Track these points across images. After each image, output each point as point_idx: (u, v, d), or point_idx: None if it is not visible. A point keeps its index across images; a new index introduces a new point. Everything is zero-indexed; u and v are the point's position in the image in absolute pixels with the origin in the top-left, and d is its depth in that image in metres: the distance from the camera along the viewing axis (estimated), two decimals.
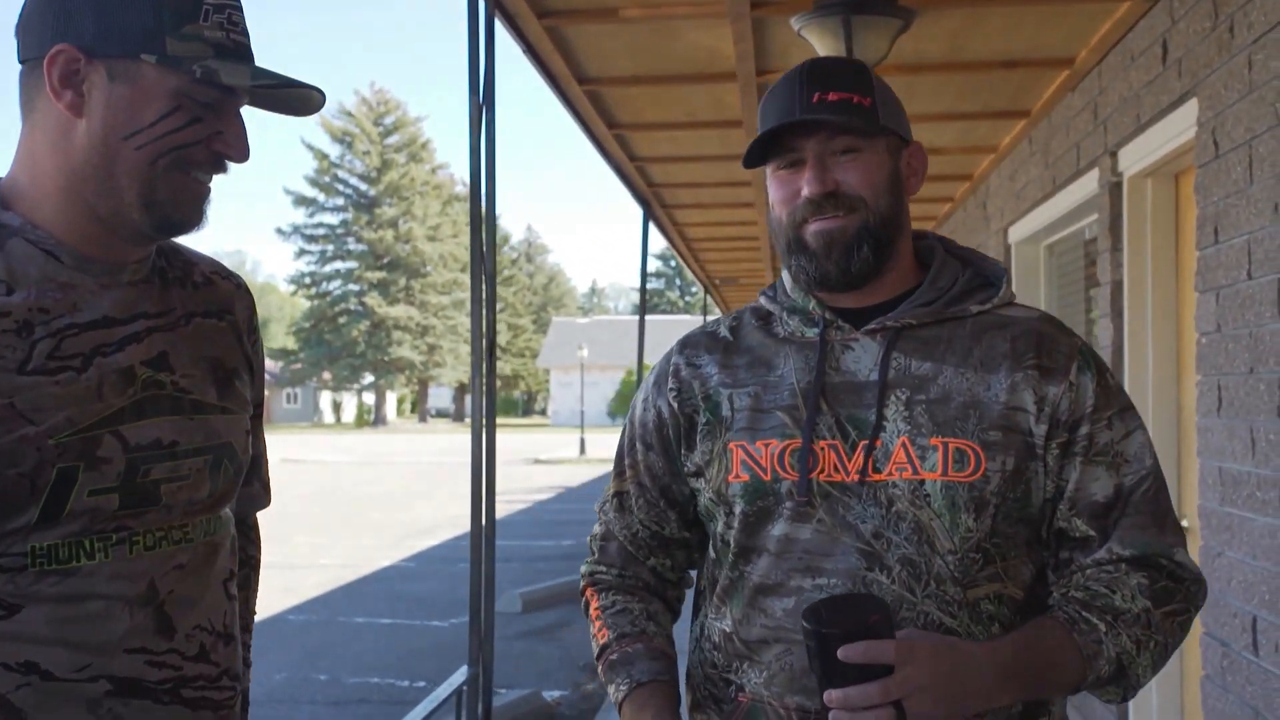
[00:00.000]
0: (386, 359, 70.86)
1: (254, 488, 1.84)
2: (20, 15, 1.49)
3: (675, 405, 1.82)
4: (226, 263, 1.86)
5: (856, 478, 1.64)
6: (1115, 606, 1.59)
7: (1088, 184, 5.39)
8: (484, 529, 3.48)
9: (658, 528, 1.86)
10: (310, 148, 75.06)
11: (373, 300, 70.35)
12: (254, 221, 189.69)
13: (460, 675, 3.40)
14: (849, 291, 1.72)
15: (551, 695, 7.51)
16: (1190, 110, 4.00)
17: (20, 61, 1.50)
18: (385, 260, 71.56)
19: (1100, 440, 1.66)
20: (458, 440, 51.72)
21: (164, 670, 1.47)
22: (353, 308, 71.06)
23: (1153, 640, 1.60)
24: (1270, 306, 3.32)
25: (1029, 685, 1.58)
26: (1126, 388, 4.79)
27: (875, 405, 1.66)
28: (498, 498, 16.85)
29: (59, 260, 1.47)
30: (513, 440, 48.54)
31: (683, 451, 1.82)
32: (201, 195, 1.52)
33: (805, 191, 1.69)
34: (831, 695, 1.44)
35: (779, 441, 1.69)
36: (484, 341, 3.67)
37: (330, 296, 71.72)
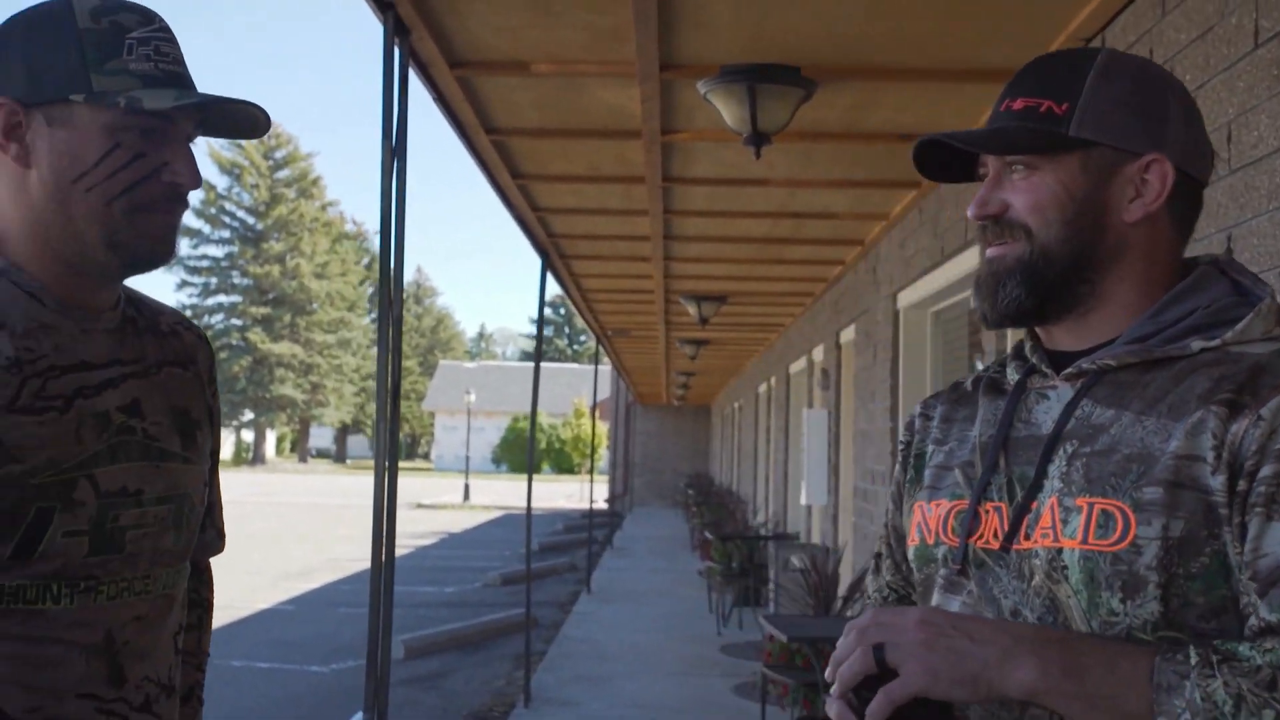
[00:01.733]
0: (268, 396, 69.72)
1: (209, 534, 1.86)
2: None
3: (902, 459, 1.64)
4: None
5: (999, 545, 1.38)
6: (1235, 651, 1.18)
7: (973, 256, 5.63)
8: (384, 572, 3.51)
9: (903, 590, 1.66)
10: None
11: (256, 336, 69.25)
12: None
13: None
14: (1044, 326, 1.47)
15: None
16: None
17: None
18: (270, 296, 70.56)
19: None
20: (338, 481, 51.02)
21: (111, 718, 1.49)
22: (235, 343, 69.80)
23: (1269, 709, 1.13)
24: None
25: (1054, 679, 1.18)
26: None
27: (1039, 461, 1.38)
28: None
29: (41, 303, 1.50)
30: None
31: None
32: (167, 229, 1.55)
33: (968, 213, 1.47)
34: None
35: (948, 502, 1.48)
36: (389, 385, 3.72)
37: (212, 331, 70.45)
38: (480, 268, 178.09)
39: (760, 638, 9.93)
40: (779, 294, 11.59)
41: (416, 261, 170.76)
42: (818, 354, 11.78)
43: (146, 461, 1.56)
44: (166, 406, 1.63)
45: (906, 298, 7.46)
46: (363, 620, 11.68)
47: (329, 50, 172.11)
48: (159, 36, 1.52)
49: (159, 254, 1.55)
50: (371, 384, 77.04)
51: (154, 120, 1.49)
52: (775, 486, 15.64)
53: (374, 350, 79.41)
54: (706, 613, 12.31)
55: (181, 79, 1.53)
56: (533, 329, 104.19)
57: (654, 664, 9.54)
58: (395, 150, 4.23)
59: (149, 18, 1.53)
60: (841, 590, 8.20)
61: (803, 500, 11.16)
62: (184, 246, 73.35)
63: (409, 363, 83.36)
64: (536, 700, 7.93)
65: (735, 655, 10.00)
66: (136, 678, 1.53)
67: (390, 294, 3.98)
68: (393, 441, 3.76)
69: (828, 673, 1.24)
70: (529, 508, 9.04)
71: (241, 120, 1.59)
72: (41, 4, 1.51)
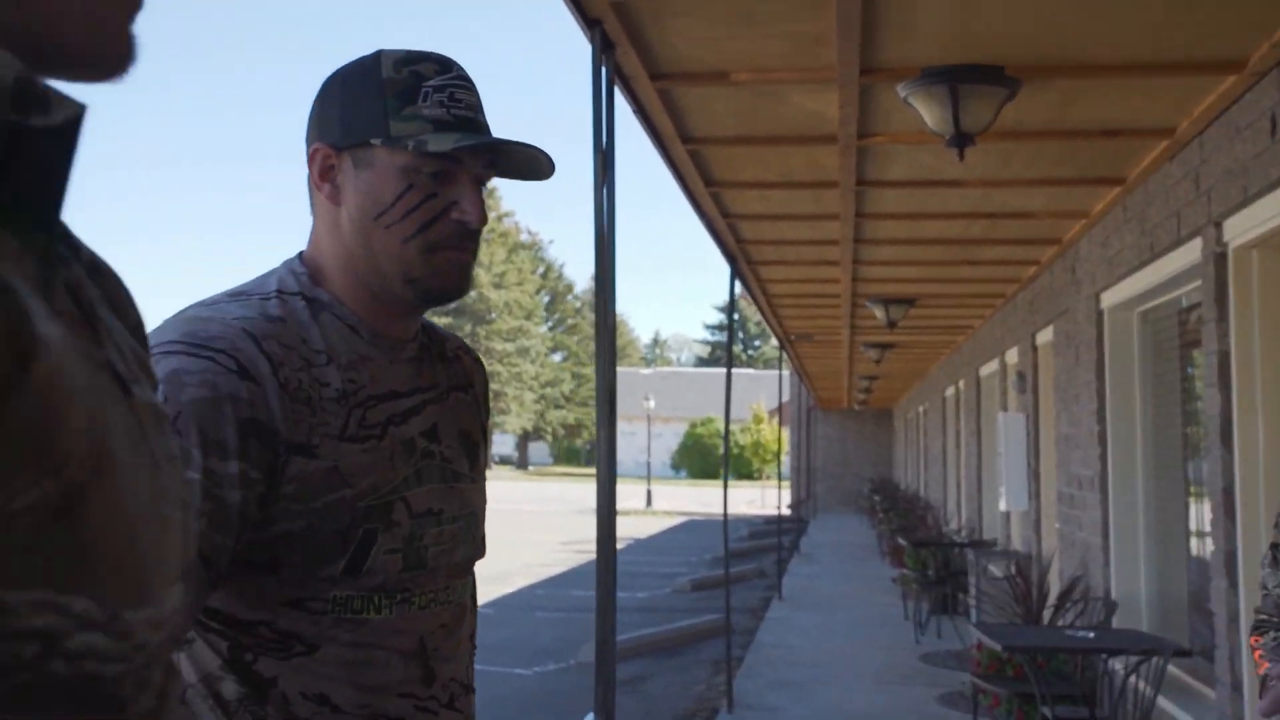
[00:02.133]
0: None
1: None
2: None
3: None
4: None
5: None
6: None
7: (1189, 253, 5.46)
8: (608, 582, 3.58)
9: None
10: None
11: None
12: None
13: None
14: None
15: None
16: None
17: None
18: (451, 306, 72.22)
19: None
20: (521, 488, 51.84)
21: (425, 715, 1.60)
22: None
23: None
24: None
25: None
26: (1236, 459, 4.83)
27: None
28: (572, 548, 16.95)
29: (359, 334, 1.62)
30: (578, 489, 48.56)
31: None
32: (460, 266, 1.63)
33: None
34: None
35: None
36: (608, 394, 3.79)
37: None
38: (654, 276, 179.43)
39: (961, 646, 9.77)
40: (970, 295, 11.38)
41: (589, 271, 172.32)
42: (1011, 356, 11.51)
43: (444, 483, 1.66)
44: (456, 430, 1.73)
45: (1110, 298, 7.26)
46: (560, 624, 11.85)
47: (508, 63, 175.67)
48: (454, 84, 1.62)
49: (452, 289, 1.65)
50: (551, 391, 78.10)
51: (444, 162, 1.58)
52: (968, 492, 15.33)
53: (551, 358, 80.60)
54: (901, 620, 12.15)
55: (471, 123, 1.61)
56: (707, 334, 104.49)
57: (853, 671, 9.46)
58: (606, 167, 4.31)
59: (447, 66, 1.63)
60: (1052, 599, 7.98)
61: (1001, 506, 10.94)
62: None
63: (586, 369, 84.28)
64: (739, 706, 7.96)
65: (936, 664, 9.85)
66: (444, 678, 1.64)
67: (605, 309, 4.06)
68: (610, 445, 3.83)
69: None
70: (725, 514, 9.09)
71: (526, 162, 1.67)
72: (358, 59, 1.64)
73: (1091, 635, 6.13)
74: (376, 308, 1.64)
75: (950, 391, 17.75)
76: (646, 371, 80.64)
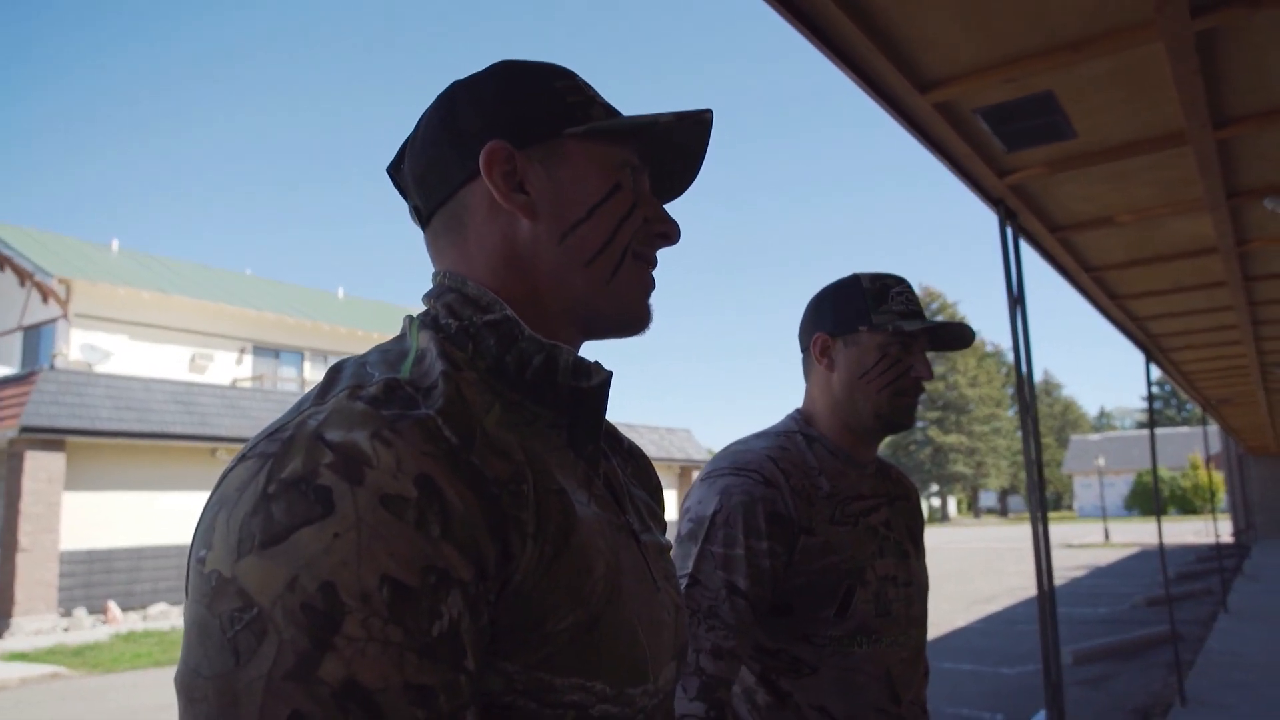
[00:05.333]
0: (946, 473, 68.28)
1: None
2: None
3: None
4: None
5: None
6: None
7: None
8: (1048, 596, 3.28)
9: None
10: None
11: (934, 432, 68.48)
12: None
13: (1040, 717, 3.19)
14: None
15: None
16: None
17: (802, 350, 1.72)
18: (940, 403, 69.57)
19: None
20: (1004, 531, 48.19)
21: None
22: (919, 439, 69.56)
23: None
24: None
25: None
26: None
27: None
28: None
29: (838, 458, 1.65)
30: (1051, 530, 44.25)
31: None
32: (913, 407, 1.66)
33: None
34: None
35: None
36: (1035, 463, 3.52)
37: (903, 433, 70.68)
38: (1093, 364, 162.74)
39: None
40: None
41: (1044, 365, 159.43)
42: None
43: (899, 558, 1.64)
44: (904, 524, 1.70)
45: None
46: (1037, 635, 10.83)
47: (960, 223, 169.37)
48: (907, 290, 1.66)
49: (907, 424, 1.65)
50: (1020, 458, 72.56)
51: (908, 339, 1.62)
52: None
53: (1019, 434, 74.77)
54: None
55: (920, 314, 1.65)
56: (1143, 404, 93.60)
57: None
58: (1017, 299, 4.07)
59: (900, 280, 1.67)
60: None
61: None
62: None
63: (1047, 439, 77.49)
64: (1191, 702, 6.82)
65: None
66: (906, 700, 1.58)
67: (1026, 398, 3.80)
68: (1041, 496, 3.54)
69: None
70: (1160, 541, 7.96)
71: (956, 336, 1.66)
72: (839, 279, 1.70)
73: None
74: (851, 438, 1.66)
75: None
76: (1095, 437, 72.54)
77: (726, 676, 1.43)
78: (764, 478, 1.53)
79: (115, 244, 23.44)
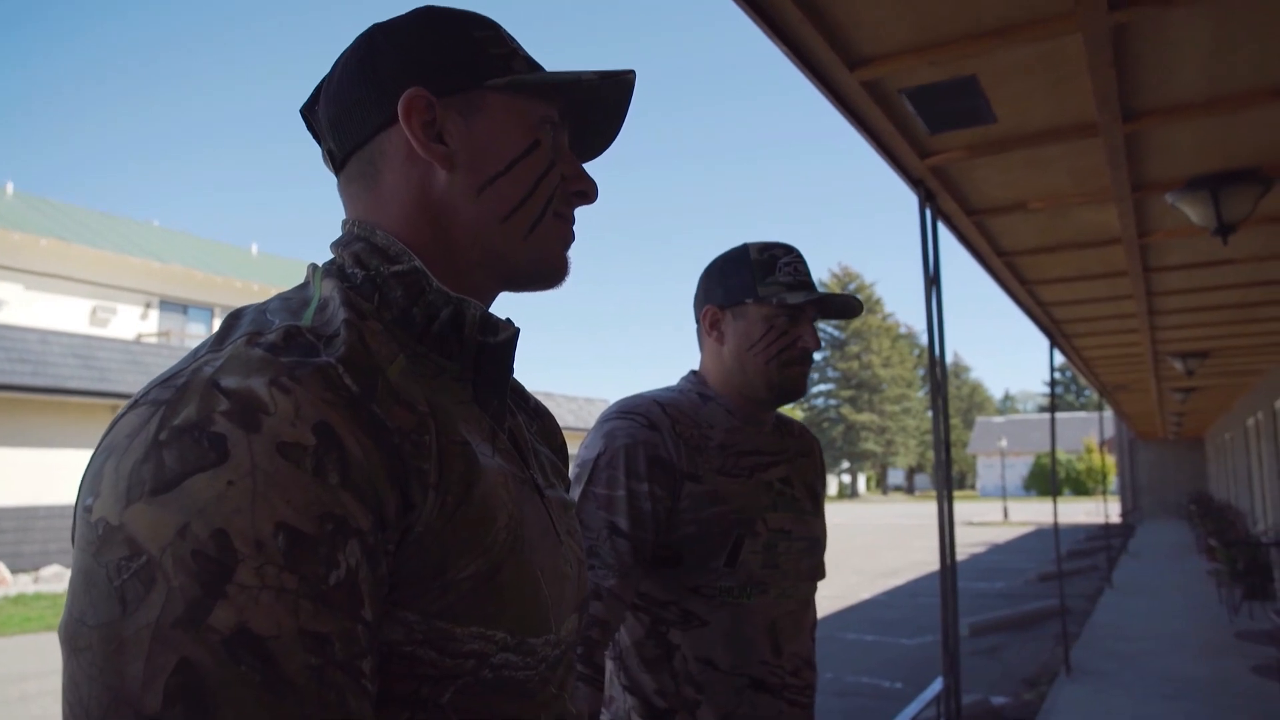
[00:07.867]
0: (856, 450, 70.08)
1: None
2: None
3: None
4: None
5: None
6: None
7: None
8: (949, 571, 3.39)
9: None
10: None
11: (846, 410, 70.12)
12: None
13: (937, 684, 3.32)
14: None
15: (998, 701, 6.98)
16: None
17: None
18: (853, 382, 71.22)
19: None
20: (910, 508, 49.72)
21: (774, 678, 1.56)
22: (832, 416, 71.14)
23: None
24: None
25: None
26: None
27: None
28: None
29: (731, 414, 1.66)
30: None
31: None
32: (803, 376, 1.67)
33: None
34: None
35: None
36: (943, 443, 3.62)
37: (817, 408, 72.25)
38: (1001, 347, 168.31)
39: (1270, 628, 8.32)
40: (1258, 345, 9.83)
41: (955, 347, 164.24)
42: None
43: (793, 513, 1.64)
44: (801, 480, 1.71)
45: None
46: (938, 608, 11.25)
47: (880, 207, 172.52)
48: (796, 261, 1.65)
49: (797, 393, 1.65)
50: (929, 438, 74.81)
51: (794, 310, 1.61)
52: (1273, 501, 13.12)
53: (929, 414, 77.52)
54: (1216, 604, 10.50)
55: (809, 285, 1.64)
56: (1046, 389, 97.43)
57: (1174, 645, 8.28)
58: (933, 280, 4.16)
59: (789, 250, 1.66)
60: None
61: None
62: None
63: (954, 420, 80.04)
64: (1076, 671, 7.17)
65: (1249, 640, 8.41)
66: (788, 653, 1.59)
67: (937, 379, 3.90)
68: (948, 475, 3.64)
69: None
70: (1055, 523, 8.32)
71: (843, 307, 1.65)
72: (731, 249, 1.69)
73: None
74: (745, 403, 1.67)
75: (1251, 422, 15.34)
76: (999, 419, 75.25)
77: (605, 617, 1.44)
78: (648, 421, 1.55)
79: (10, 187, 22.21)
